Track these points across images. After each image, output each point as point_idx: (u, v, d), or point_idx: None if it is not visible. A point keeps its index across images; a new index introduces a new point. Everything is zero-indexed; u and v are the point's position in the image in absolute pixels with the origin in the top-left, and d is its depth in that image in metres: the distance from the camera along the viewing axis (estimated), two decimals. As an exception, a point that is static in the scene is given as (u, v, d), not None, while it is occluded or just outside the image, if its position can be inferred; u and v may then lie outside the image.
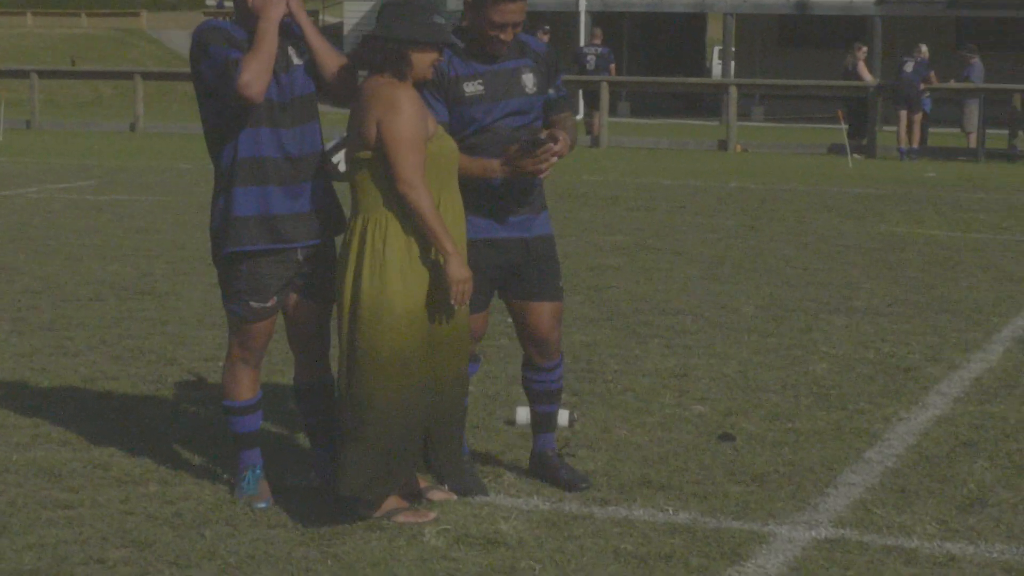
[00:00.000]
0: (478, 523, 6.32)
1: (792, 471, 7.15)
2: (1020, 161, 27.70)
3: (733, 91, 29.94)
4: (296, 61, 6.53)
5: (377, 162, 6.15)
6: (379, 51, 6.21)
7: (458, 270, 6.09)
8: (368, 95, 6.18)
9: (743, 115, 35.18)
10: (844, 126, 27.91)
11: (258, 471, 6.68)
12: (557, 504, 6.64)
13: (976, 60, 29.71)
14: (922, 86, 28.29)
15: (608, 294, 12.02)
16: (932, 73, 28.65)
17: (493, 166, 6.38)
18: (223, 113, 6.45)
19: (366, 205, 6.21)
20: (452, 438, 6.43)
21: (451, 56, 6.41)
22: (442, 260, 6.12)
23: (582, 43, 35.57)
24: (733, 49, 40.69)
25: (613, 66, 31.44)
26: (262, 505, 6.54)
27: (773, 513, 6.54)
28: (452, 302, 6.13)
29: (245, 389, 6.68)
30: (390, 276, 6.12)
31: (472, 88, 6.39)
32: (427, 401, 6.27)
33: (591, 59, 31.11)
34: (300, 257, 6.53)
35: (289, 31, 6.51)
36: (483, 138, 6.43)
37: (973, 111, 29.17)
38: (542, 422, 6.90)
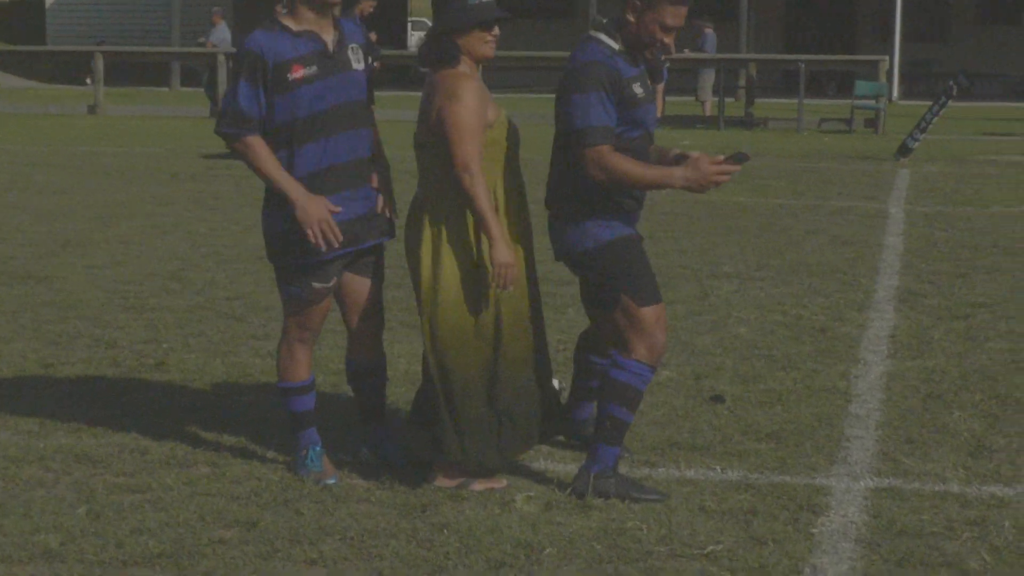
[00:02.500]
0: (557, 489, 6.61)
1: (798, 428, 7.62)
2: (756, 128, 28.88)
3: (478, 63, 30.30)
4: (355, 66, 6.66)
5: (437, 147, 6.41)
6: (427, 46, 6.51)
7: (503, 254, 6.34)
8: (433, 86, 6.46)
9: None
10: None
11: (318, 448, 6.83)
12: (608, 468, 6.94)
13: (710, 30, 30.82)
14: (663, 56, 29.17)
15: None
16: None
17: (675, 174, 6.38)
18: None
19: (427, 189, 6.51)
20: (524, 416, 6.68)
21: (616, 57, 6.39)
22: (489, 245, 6.37)
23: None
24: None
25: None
26: (331, 481, 6.70)
27: (812, 467, 6.99)
28: (494, 284, 6.38)
29: (303, 369, 6.82)
30: (445, 259, 6.41)
31: (639, 90, 6.44)
32: (512, 375, 6.53)
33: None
34: None
35: (354, 35, 6.67)
36: (642, 141, 6.52)
37: (708, 80, 30.28)
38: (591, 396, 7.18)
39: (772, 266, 12.50)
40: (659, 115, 27.71)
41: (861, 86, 28.29)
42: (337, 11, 6.58)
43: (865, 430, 7.59)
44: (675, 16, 6.37)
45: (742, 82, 32.05)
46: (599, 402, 6.58)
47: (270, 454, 7.10)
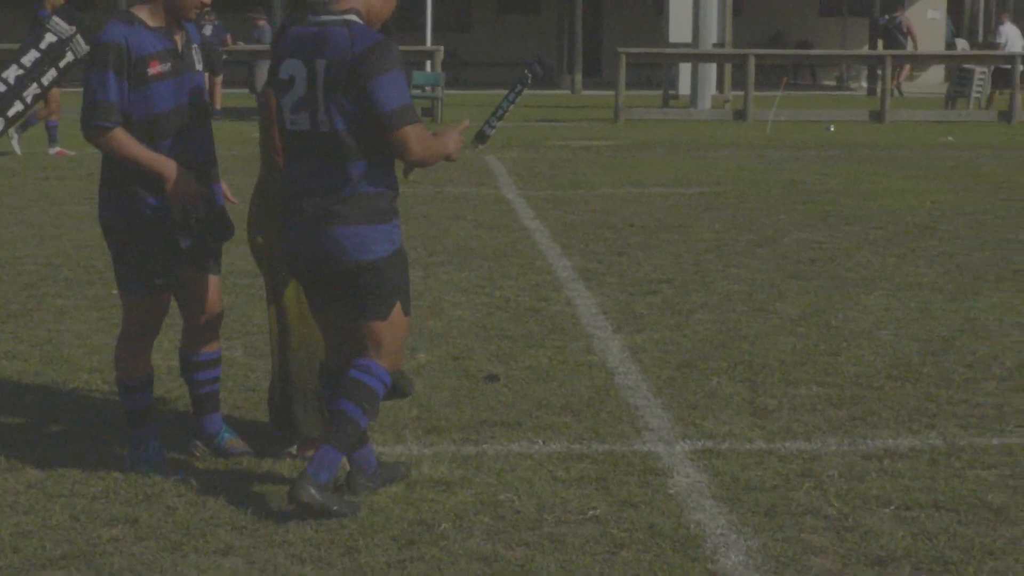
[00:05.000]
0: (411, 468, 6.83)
1: (583, 400, 8.05)
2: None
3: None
4: (198, 67, 6.72)
5: None
6: None
7: None
8: None
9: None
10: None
11: (158, 444, 6.85)
12: (436, 448, 7.22)
13: (264, 23, 30.93)
14: (221, 48, 29.19)
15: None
16: (229, 35, 29.62)
17: (452, 140, 6.38)
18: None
19: (270, 172, 6.77)
20: None
21: None
22: None
23: None
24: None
25: None
26: (178, 476, 6.72)
27: (624, 435, 7.44)
28: None
29: (143, 366, 6.83)
30: None
31: None
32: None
33: None
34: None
35: (195, 36, 6.73)
36: None
37: (263, 72, 30.37)
38: None
39: (442, 252, 12.90)
40: (217, 107, 27.73)
41: (419, 76, 28.95)
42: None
43: (645, 399, 8.08)
44: None
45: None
46: (342, 405, 6.23)
47: (91, 455, 7.04)
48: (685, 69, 32.65)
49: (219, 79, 29.08)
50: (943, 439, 7.30)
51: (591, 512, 6.29)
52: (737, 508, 6.35)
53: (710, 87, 31.46)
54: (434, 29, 39.98)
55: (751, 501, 6.42)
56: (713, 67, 31.74)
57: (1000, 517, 6.19)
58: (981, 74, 30.93)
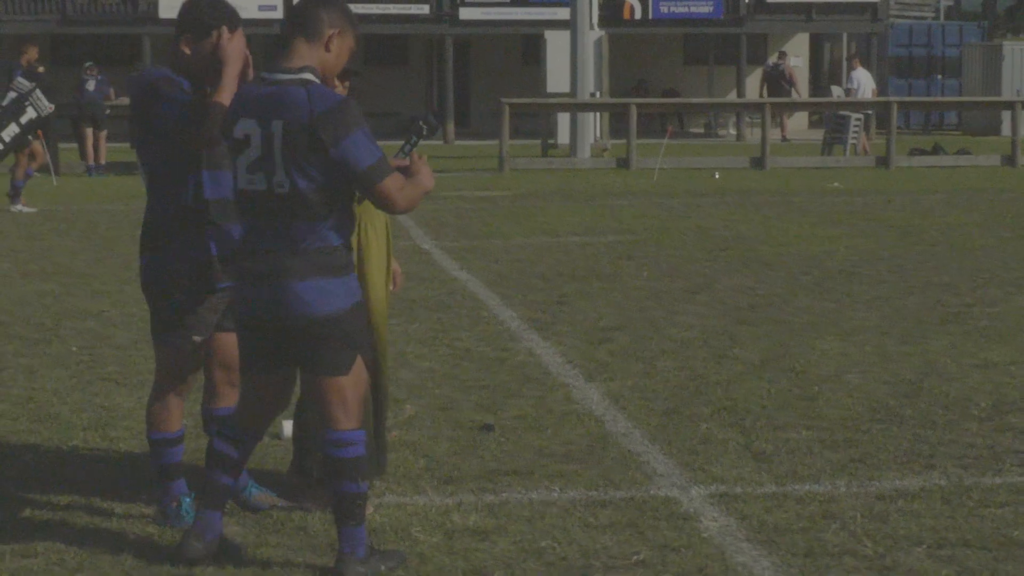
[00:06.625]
0: (442, 518, 6.94)
1: (583, 449, 8.20)
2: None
3: None
4: None
5: None
6: None
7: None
8: None
9: None
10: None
11: (190, 499, 6.89)
12: (457, 497, 7.32)
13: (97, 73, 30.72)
14: (105, 102, 29.06)
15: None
16: (112, 90, 29.48)
17: (427, 176, 6.29)
18: (178, 155, 6.64)
19: None
20: None
21: None
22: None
23: None
24: None
25: None
26: (213, 530, 6.77)
27: (636, 481, 7.60)
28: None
29: (176, 420, 6.89)
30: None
31: None
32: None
33: None
34: None
35: None
36: None
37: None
38: None
39: (385, 303, 12.95)
40: (101, 162, 27.52)
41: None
42: None
43: (644, 446, 8.25)
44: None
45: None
46: (344, 487, 6.21)
47: (117, 510, 7.06)
48: (563, 118, 32.97)
49: (103, 133, 28.91)
50: (947, 479, 7.54)
51: (635, 556, 6.44)
52: (776, 551, 6.52)
53: (589, 136, 31.84)
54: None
55: (786, 543, 6.60)
56: (591, 116, 32.13)
57: (1034, 553, 6.43)
58: (857, 120, 31.63)
